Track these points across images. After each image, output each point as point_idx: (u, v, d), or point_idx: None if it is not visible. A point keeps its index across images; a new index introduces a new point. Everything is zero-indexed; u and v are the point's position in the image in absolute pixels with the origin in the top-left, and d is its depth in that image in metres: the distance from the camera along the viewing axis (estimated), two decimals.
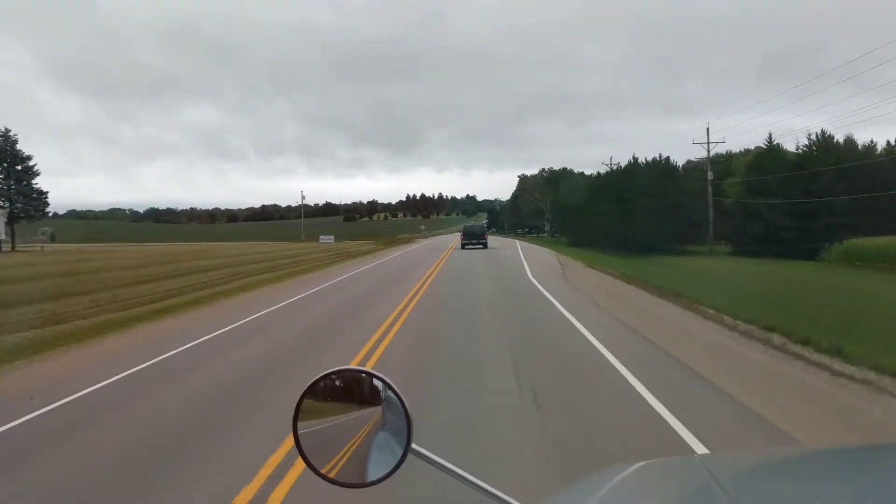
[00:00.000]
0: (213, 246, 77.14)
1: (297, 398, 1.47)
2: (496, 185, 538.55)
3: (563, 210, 77.88)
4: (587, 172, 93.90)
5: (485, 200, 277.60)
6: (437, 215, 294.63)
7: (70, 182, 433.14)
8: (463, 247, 47.69)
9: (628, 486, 1.51)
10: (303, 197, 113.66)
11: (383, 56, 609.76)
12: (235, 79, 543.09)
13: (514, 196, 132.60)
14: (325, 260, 41.86)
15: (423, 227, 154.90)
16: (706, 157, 50.49)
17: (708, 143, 49.85)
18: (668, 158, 50.95)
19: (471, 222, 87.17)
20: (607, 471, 1.59)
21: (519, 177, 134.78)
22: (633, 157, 54.93)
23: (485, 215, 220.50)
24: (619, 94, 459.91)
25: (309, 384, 1.48)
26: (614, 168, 65.16)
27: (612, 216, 53.28)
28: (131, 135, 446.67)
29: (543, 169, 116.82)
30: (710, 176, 49.06)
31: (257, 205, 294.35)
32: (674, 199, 45.42)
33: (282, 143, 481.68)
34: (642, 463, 1.62)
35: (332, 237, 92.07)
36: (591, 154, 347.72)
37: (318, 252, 54.94)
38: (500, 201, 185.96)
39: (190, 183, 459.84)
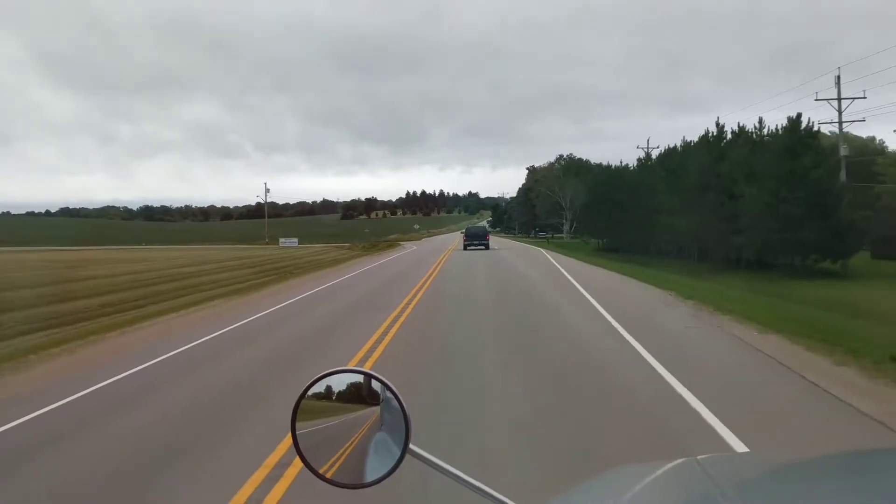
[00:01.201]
0: (163, 251, 65.75)
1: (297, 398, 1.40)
2: (499, 182, 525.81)
3: (591, 205, 61.10)
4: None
5: (488, 198, 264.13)
6: (438, 213, 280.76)
7: (69, 180, 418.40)
8: (465, 247, 47.65)
9: (626, 489, 1.49)
10: (267, 190, 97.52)
11: (384, 51, 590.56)
12: (234, 74, 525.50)
13: (525, 190, 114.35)
14: (233, 284, 25.10)
15: (416, 226, 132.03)
16: (838, 122, 32.73)
17: (839, 98, 32.25)
18: (797, 119, 29.93)
19: (473, 221, 75.00)
20: (606, 474, 1.58)
21: (528, 169, 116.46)
22: (718, 125, 37.04)
23: (488, 213, 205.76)
24: (625, 89, 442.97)
25: (308, 384, 1.45)
26: (671, 148, 48.06)
27: (680, 213, 36.24)
28: (129, 131, 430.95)
29: (561, 156, 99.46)
30: (843, 151, 31.69)
31: (255, 202, 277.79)
32: (815, 187, 27.52)
33: (282, 140, 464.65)
34: (642, 465, 1.60)
35: (296, 240, 75.52)
36: (597, 151, 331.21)
37: (256, 265, 38.35)
38: (503, 198, 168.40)
39: (189, 180, 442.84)
